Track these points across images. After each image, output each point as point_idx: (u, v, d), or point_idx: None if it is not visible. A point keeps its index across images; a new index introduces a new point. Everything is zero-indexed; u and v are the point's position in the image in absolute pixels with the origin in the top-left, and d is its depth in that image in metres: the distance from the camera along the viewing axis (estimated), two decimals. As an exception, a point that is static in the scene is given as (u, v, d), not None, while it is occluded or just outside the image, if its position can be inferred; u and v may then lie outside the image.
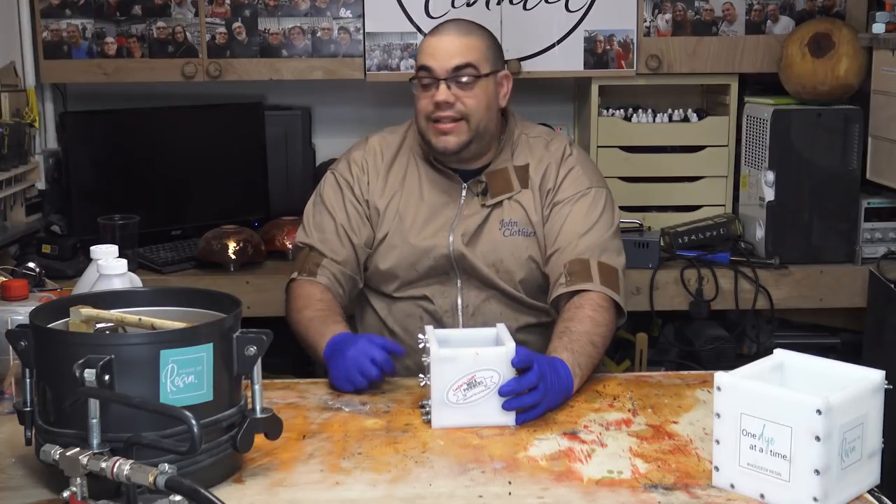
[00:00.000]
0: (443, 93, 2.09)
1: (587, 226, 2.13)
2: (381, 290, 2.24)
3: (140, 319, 1.52)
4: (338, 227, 2.20)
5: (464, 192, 2.20)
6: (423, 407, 1.74)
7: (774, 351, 1.53)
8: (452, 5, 3.05)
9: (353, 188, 2.23)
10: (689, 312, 2.92)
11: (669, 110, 3.16)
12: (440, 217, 2.19)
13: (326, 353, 1.94)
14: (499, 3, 3.05)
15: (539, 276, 2.19)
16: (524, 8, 3.06)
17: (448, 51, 2.11)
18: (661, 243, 2.98)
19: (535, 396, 1.71)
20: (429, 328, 1.77)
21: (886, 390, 1.43)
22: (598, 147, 3.11)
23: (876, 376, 1.42)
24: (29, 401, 1.47)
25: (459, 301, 2.19)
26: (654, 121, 3.14)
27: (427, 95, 2.12)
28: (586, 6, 3.06)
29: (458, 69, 2.10)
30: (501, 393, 1.69)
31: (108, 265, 1.76)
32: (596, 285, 2.04)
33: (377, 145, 2.27)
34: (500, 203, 2.19)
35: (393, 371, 1.90)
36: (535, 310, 2.21)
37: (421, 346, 1.73)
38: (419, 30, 3.04)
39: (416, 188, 2.21)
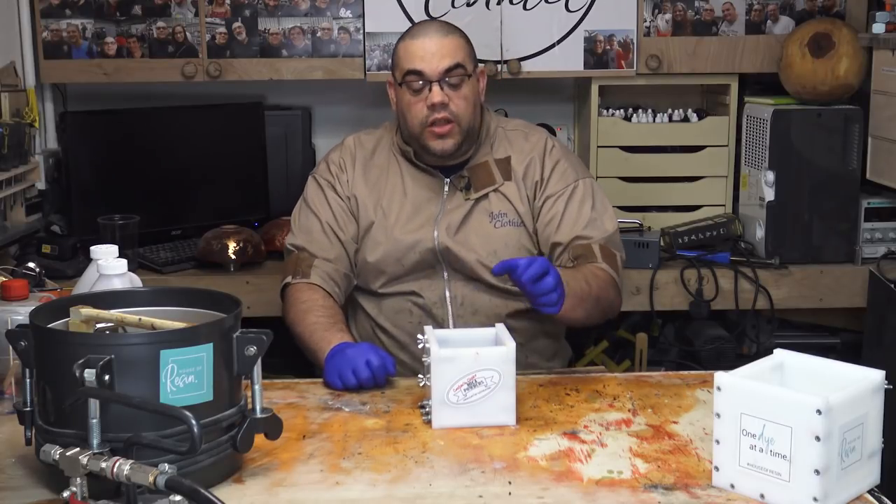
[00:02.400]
0: (437, 94, 2.12)
1: (585, 220, 2.19)
2: (370, 287, 2.25)
3: (140, 319, 1.52)
4: (324, 226, 2.22)
5: (446, 188, 2.22)
6: (423, 407, 1.74)
7: (774, 351, 1.53)
8: (452, 5, 3.05)
9: (335, 187, 2.25)
10: (689, 312, 2.92)
11: (669, 110, 3.16)
12: (424, 212, 2.21)
13: (327, 358, 1.94)
14: (499, 3, 3.05)
15: None
16: (524, 8, 3.06)
17: (436, 52, 2.13)
18: (661, 243, 2.98)
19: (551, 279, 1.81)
20: (428, 328, 1.77)
21: (886, 390, 1.43)
22: (598, 147, 3.11)
23: (876, 376, 1.42)
24: (29, 401, 1.47)
25: (448, 293, 2.20)
26: (654, 121, 3.14)
27: (419, 100, 2.14)
28: (586, 6, 3.06)
29: (449, 70, 2.13)
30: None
31: (108, 265, 1.76)
32: (601, 263, 2.14)
33: (352, 144, 2.30)
34: (486, 196, 2.22)
35: (383, 382, 1.90)
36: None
37: (420, 346, 1.73)
38: (419, 30, 3.04)
39: (399, 185, 2.24)
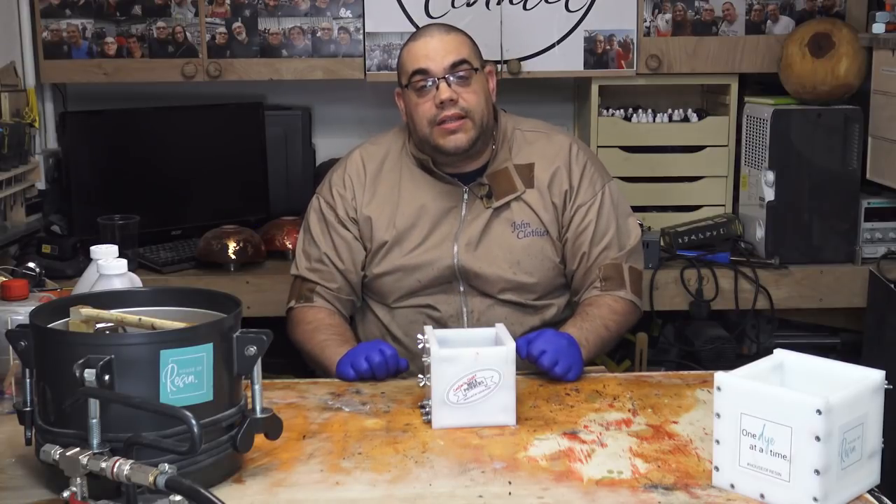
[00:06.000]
0: (445, 91, 2.08)
1: (613, 231, 2.20)
2: (384, 301, 2.23)
3: (140, 319, 1.52)
4: (323, 257, 2.20)
5: (465, 197, 2.19)
6: (423, 407, 1.74)
7: (774, 351, 1.52)
8: (452, 5, 3.05)
9: (338, 211, 2.21)
10: (689, 312, 2.92)
11: (669, 110, 3.16)
12: (444, 226, 2.17)
13: (338, 369, 1.96)
14: (499, 3, 3.05)
15: (553, 275, 2.21)
16: (524, 8, 3.06)
17: (440, 49, 2.11)
18: (661, 243, 2.98)
19: (549, 357, 1.86)
20: (428, 328, 1.77)
21: (886, 390, 1.43)
22: (598, 147, 3.11)
23: (876, 376, 1.42)
24: (29, 401, 1.47)
25: (464, 308, 2.18)
26: (654, 121, 3.14)
27: (427, 99, 2.10)
28: (586, 6, 3.06)
29: (455, 66, 2.10)
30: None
31: (108, 265, 1.76)
32: (628, 294, 2.17)
33: (359, 159, 2.24)
34: (508, 205, 2.18)
35: (394, 372, 1.92)
36: (541, 311, 2.21)
37: (420, 346, 1.73)
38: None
39: (415, 197, 2.18)
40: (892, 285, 2.70)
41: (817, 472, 1.34)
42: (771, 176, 2.92)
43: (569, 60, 3.09)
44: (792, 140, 2.90)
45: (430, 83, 2.10)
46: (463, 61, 2.11)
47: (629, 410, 1.78)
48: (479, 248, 2.16)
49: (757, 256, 2.97)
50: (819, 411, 1.32)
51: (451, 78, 2.09)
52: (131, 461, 1.29)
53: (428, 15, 3.04)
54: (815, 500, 1.35)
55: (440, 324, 2.17)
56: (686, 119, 3.15)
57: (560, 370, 1.88)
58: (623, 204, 2.26)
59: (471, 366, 1.68)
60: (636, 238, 2.23)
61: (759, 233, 2.99)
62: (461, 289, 2.18)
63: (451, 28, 2.19)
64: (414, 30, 3.01)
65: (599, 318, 2.10)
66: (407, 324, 2.20)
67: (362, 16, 3.06)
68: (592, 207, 2.19)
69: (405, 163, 2.22)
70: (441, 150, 2.13)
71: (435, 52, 2.10)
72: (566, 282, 2.24)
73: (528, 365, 1.95)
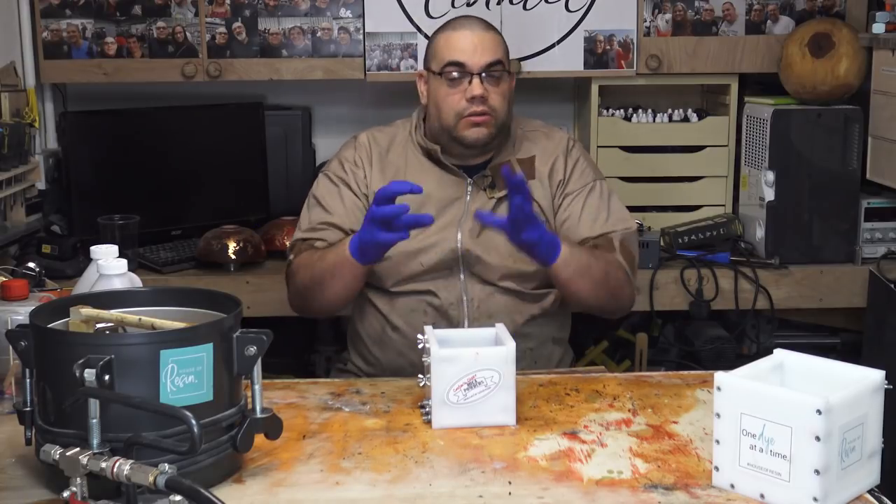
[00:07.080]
0: (478, 87, 2.11)
1: (604, 217, 2.21)
2: (382, 285, 2.22)
3: (140, 319, 1.52)
4: (334, 223, 2.19)
5: (469, 188, 2.20)
6: (423, 407, 1.74)
7: (774, 351, 1.52)
8: (452, 5, 3.05)
9: (350, 184, 2.23)
10: (689, 312, 2.92)
11: (669, 110, 3.16)
12: (448, 213, 2.19)
13: (352, 247, 1.98)
14: (499, 3, 3.05)
15: None
16: (524, 8, 3.06)
17: (480, 46, 2.13)
18: (661, 243, 2.98)
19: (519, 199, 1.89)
20: (428, 328, 1.76)
21: (886, 390, 1.43)
22: (598, 147, 3.11)
23: (876, 376, 1.42)
24: (29, 401, 1.47)
25: (464, 295, 2.19)
26: (654, 121, 3.14)
27: (457, 91, 2.13)
28: (586, 6, 3.06)
29: (491, 65, 2.13)
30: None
31: (108, 265, 1.75)
32: (618, 256, 2.15)
33: (366, 141, 2.28)
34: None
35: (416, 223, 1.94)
36: (539, 300, 2.21)
37: (420, 346, 1.73)
38: (419, 30, 3.04)
39: (420, 186, 2.20)
40: (892, 285, 2.71)
41: (817, 472, 1.34)
42: (771, 176, 2.92)
43: (569, 60, 3.09)
44: (792, 140, 2.90)
45: (461, 76, 2.12)
46: (499, 62, 2.14)
47: (629, 410, 1.78)
48: (480, 235, 2.18)
49: (757, 256, 2.97)
50: (819, 411, 1.32)
51: (484, 76, 2.12)
52: (131, 461, 1.29)
53: (428, 15, 3.04)
54: (815, 500, 1.35)
55: (440, 311, 2.18)
56: (686, 119, 3.15)
57: (526, 236, 1.94)
58: (616, 201, 2.26)
59: (471, 366, 1.68)
60: (627, 223, 2.23)
61: (759, 233, 2.99)
62: (462, 276, 2.18)
63: (489, 25, 2.20)
64: (414, 30, 3.03)
65: (588, 250, 2.12)
66: (407, 312, 2.20)
67: (362, 16, 3.07)
68: (580, 196, 2.22)
69: (411, 150, 2.25)
70: (462, 141, 2.16)
71: (474, 49, 2.13)
72: None
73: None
